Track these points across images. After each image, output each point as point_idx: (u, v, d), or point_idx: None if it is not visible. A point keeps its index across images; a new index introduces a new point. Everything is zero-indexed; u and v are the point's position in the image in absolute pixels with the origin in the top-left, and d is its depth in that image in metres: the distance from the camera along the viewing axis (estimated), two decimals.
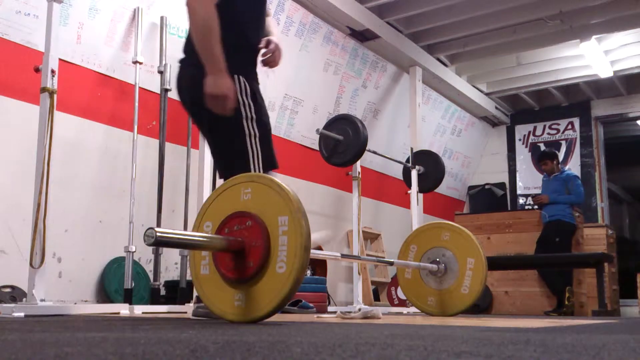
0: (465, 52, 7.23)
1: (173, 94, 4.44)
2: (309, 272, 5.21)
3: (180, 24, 4.64)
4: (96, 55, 4.18)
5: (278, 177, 2.10)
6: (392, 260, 3.34)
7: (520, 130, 9.02)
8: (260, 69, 2.49)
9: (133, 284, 3.89)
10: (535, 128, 8.92)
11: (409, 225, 5.86)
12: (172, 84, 4.36)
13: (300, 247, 1.89)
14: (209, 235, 2.03)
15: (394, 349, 0.96)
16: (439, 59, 7.27)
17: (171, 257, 4.49)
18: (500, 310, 6.49)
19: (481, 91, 8.34)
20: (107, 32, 4.21)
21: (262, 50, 2.47)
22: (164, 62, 4.35)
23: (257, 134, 2.31)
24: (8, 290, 3.46)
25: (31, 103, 3.63)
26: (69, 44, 3.97)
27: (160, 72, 4.35)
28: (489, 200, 8.85)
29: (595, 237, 6.88)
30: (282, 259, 1.91)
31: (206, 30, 2.18)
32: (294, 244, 1.90)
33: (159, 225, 4.17)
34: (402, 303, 6.08)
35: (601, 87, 8.38)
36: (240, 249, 1.97)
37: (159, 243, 1.80)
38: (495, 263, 5.34)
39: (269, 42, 2.48)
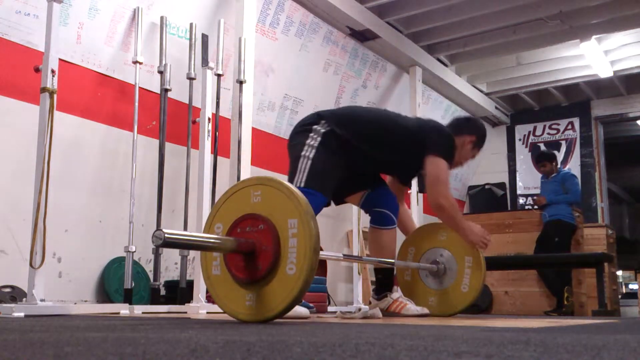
0: (465, 52, 7.23)
1: (173, 94, 4.44)
2: None
3: (180, 24, 4.64)
4: (96, 55, 4.18)
5: (279, 177, 2.12)
6: (393, 260, 3.33)
7: (520, 130, 9.03)
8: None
9: (133, 284, 3.89)
10: (535, 128, 8.92)
11: None
12: (172, 84, 4.38)
13: (310, 249, 1.92)
14: (220, 236, 2.04)
15: (394, 349, 0.96)
16: (439, 59, 7.27)
17: (171, 257, 4.49)
18: (500, 310, 6.49)
19: (481, 91, 8.34)
20: (107, 32, 4.21)
21: None
22: (164, 62, 4.34)
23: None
24: (8, 290, 3.45)
25: (31, 103, 3.63)
26: (69, 44, 3.97)
27: (160, 72, 4.34)
28: (489, 200, 8.85)
29: (595, 237, 6.89)
30: (292, 260, 1.94)
31: (454, 215, 3.23)
32: (304, 246, 1.93)
33: (159, 225, 4.17)
34: None
35: (601, 87, 8.38)
36: (251, 250, 2.00)
37: (167, 244, 1.80)
38: (495, 263, 5.34)
39: None
